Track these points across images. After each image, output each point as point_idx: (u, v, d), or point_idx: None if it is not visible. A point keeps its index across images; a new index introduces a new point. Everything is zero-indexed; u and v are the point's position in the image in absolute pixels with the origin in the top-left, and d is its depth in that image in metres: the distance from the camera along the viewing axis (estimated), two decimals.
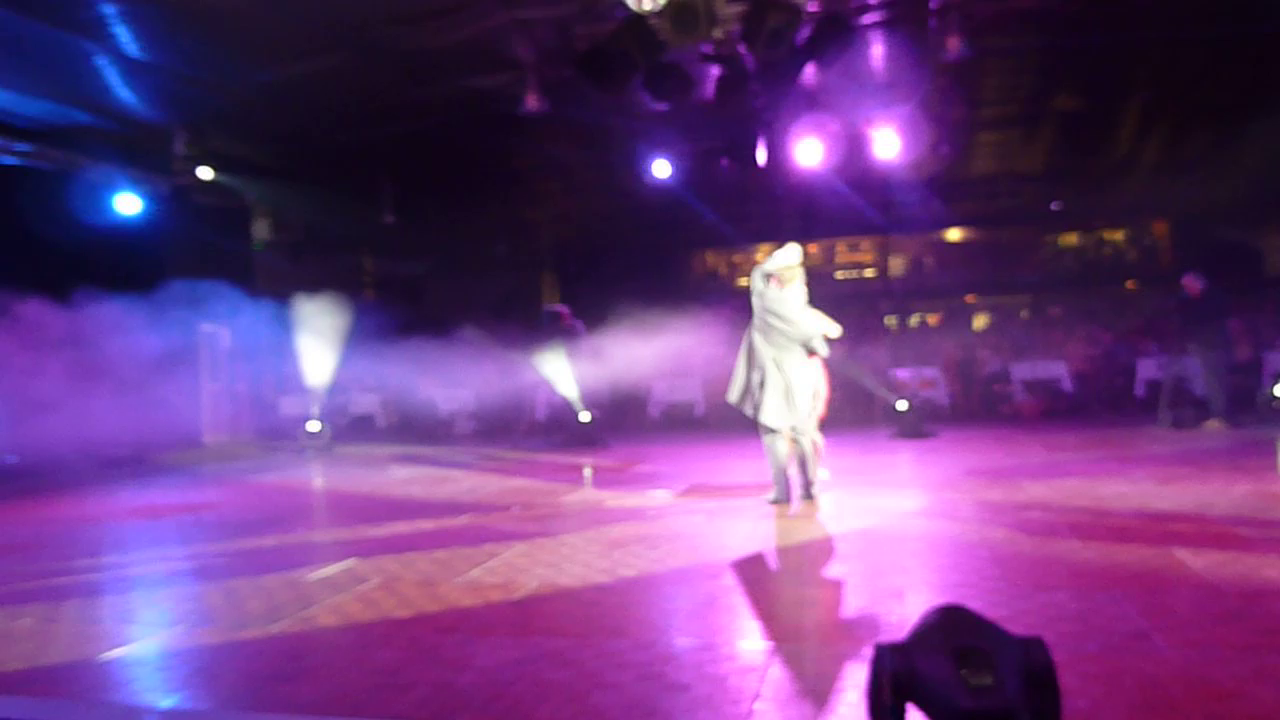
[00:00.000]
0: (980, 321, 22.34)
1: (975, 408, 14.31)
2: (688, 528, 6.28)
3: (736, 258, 27.13)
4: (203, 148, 13.61)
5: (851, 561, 5.06)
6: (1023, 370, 13.95)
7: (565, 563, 5.32)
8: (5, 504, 8.95)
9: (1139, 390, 13.28)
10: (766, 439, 6.82)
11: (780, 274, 6.73)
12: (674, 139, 13.41)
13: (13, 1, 8.51)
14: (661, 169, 13.54)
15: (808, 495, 6.81)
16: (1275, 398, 10.85)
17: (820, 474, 7.03)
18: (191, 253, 13.54)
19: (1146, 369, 13.27)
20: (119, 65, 10.33)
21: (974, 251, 25.26)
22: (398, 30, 9.81)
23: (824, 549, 5.36)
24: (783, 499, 6.80)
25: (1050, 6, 9.85)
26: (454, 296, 22.13)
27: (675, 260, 25.00)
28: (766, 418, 6.68)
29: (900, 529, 5.85)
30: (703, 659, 3.60)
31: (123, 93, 11.31)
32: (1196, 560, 4.58)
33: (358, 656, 3.82)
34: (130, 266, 12.26)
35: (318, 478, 10.43)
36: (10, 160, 11.60)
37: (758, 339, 6.78)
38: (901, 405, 11.45)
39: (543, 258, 23.07)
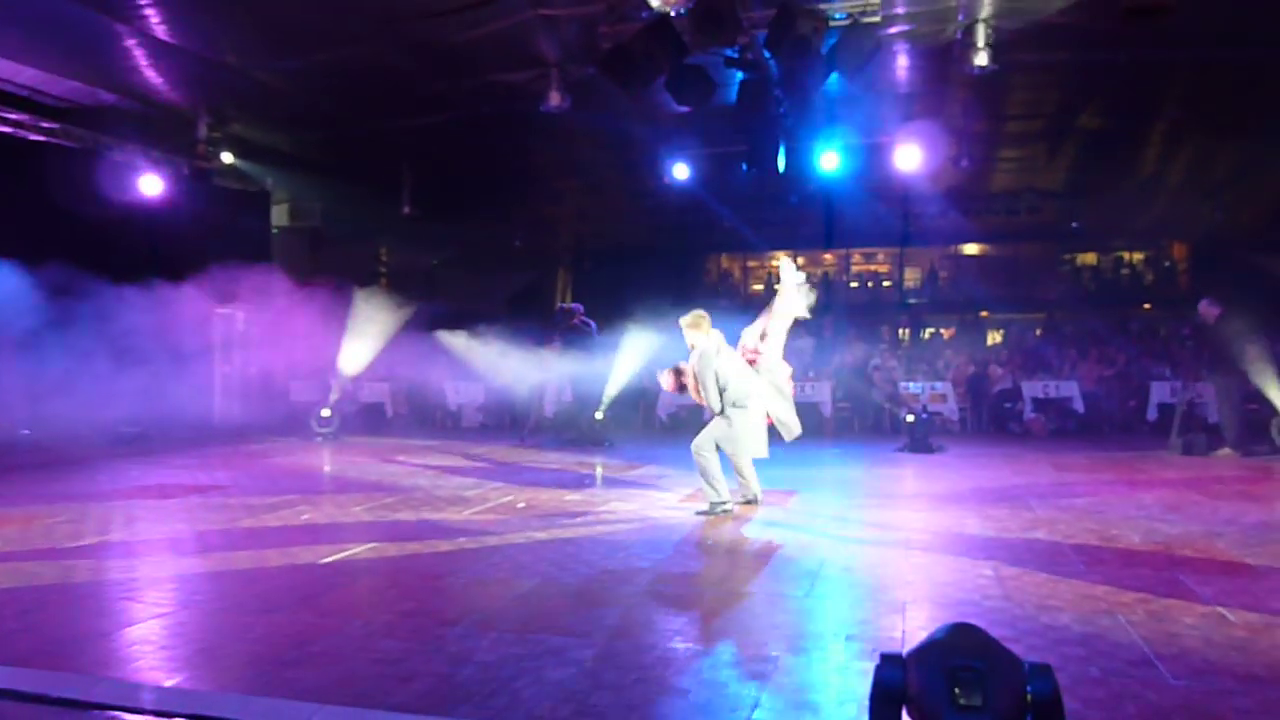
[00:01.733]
0: (994, 337, 22.24)
1: (985, 424, 14.25)
2: (691, 532, 6.28)
3: (751, 262, 27.14)
4: (224, 132, 13.70)
5: (855, 574, 5.05)
6: (1034, 388, 13.87)
7: (569, 561, 5.32)
8: (16, 477, 9.02)
9: (1151, 414, 13.17)
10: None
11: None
12: (694, 142, 13.41)
13: None
14: (680, 171, 13.57)
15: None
16: None
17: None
18: (209, 236, 13.57)
19: (1160, 392, 13.17)
20: (146, 47, 10.39)
21: (990, 266, 25.20)
22: (425, 23, 9.82)
23: (828, 560, 5.35)
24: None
25: (1080, 23, 9.76)
26: (468, 290, 22.18)
27: (690, 262, 25.02)
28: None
29: (905, 543, 5.83)
30: (703, 664, 3.60)
31: (149, 74, 11.38)
32: (1204, 588, 4.55)
33: (361, 645, 3.84)
34: (148, 247, 12.30)
35: (325, 464, 10.47)
36: (37, 137, 11.67)
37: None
38: (909, 418, 11.41)
39: (558, 255, 23.11)
